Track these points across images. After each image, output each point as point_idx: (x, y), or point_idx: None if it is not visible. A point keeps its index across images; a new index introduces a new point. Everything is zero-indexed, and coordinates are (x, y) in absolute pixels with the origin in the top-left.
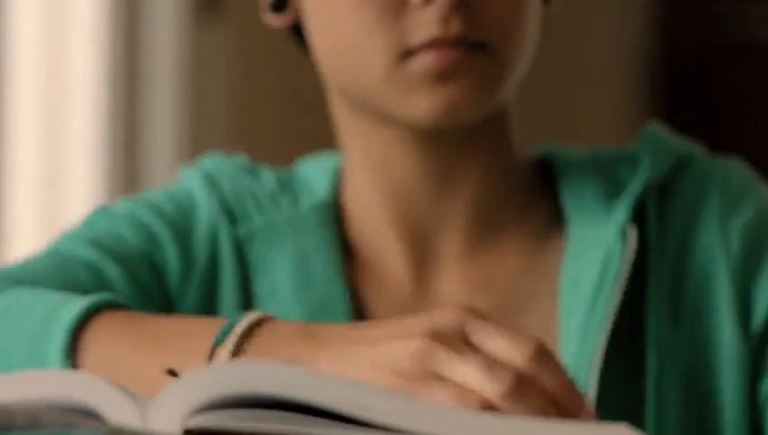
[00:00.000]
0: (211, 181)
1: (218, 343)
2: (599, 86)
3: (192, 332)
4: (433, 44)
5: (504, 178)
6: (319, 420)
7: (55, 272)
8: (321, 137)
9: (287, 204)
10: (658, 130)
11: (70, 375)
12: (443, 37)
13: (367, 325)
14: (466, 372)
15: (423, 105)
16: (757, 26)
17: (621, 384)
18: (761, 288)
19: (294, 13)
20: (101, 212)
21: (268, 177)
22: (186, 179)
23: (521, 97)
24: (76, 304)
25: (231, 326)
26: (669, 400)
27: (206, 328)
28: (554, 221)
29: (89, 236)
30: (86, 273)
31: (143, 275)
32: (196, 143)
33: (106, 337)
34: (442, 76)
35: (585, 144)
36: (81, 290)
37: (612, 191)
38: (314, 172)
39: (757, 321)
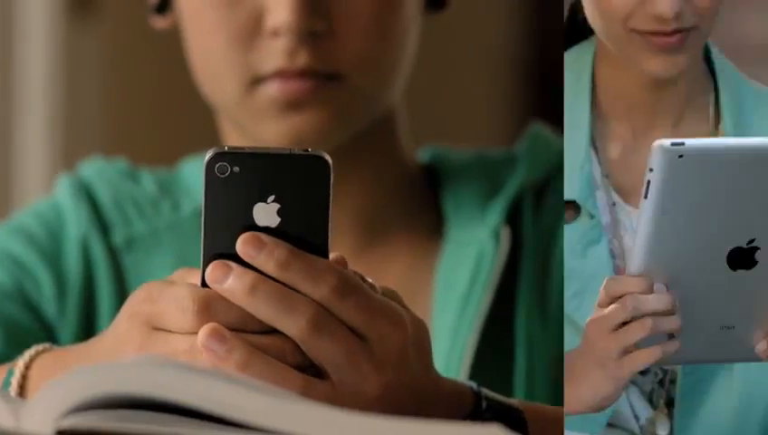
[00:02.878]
0: (84, 190)
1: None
2: None
3: None
4: (279, 75)
5: (392, 184)
6: (192, 420)
7: None
8: (198, 138)
9: (168, 209)
10: (540, 130)
11: None
12: (289, 69)
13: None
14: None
15: (271, 132)
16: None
17: (492, 383)
18: None
19: (174, 16)
20: None
21: (149, 180)
22: (58, 190)
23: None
24: None
25: (11, 372)
26: (540, 397)
27: None
28: (438, 223)
29: None
30: None
31: (15, 314)
32: (69, 144)
33: None
34: (289, 106)
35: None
36: None
37: (491, 192)
38: (197, 174)
39: None
